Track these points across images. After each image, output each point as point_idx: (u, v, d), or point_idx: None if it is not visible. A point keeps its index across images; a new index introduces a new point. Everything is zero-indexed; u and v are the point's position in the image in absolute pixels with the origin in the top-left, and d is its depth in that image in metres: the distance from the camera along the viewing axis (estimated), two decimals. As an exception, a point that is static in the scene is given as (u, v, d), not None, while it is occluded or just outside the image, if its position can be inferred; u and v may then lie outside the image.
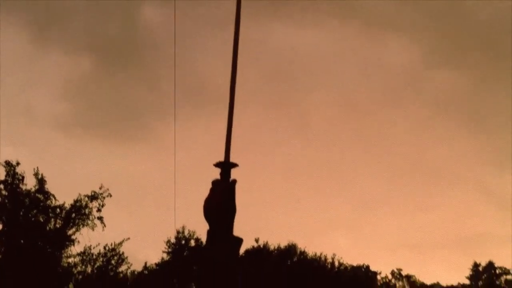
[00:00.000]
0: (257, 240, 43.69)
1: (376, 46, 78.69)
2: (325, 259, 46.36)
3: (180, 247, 39.13)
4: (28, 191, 27.34)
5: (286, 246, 44.87)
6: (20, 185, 27.26)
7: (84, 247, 28.75)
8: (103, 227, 28.47)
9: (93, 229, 28.35)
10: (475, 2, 77.32)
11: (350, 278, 46.63)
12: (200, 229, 36.18)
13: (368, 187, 76.83)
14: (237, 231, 2.45)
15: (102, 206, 28.43)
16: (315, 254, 45.89)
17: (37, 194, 27.45)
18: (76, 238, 28.27)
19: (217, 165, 2.53)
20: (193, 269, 35.96)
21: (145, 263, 38.04)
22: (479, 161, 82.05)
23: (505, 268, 61.31)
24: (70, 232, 28.15)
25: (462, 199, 79.48)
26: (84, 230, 28.33)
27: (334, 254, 47.05)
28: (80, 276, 29.23)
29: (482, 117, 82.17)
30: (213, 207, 2.44)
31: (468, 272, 62.27)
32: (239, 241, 2.44)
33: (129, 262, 30.80)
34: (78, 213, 28.15)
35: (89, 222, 28.23)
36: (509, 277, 61.42)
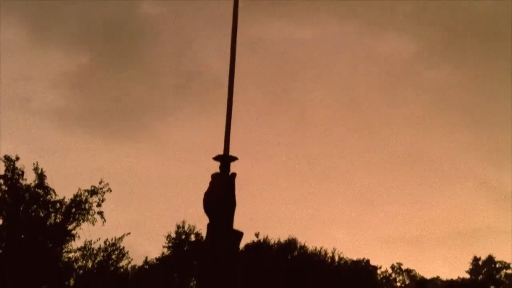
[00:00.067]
0: (257, 235, 43.78)
1: (375, 42, 78.67)
2: (325, 254, 46.44)
3: (181, 242, 39.19)
4: (28, 186, 27.34)
5: (286, 241, 44.94)
6: (20, 180, 27.27)
7: (85, 242, 28.79)
8: (103, 222, 28.52)
9: (93, 224, 28.38)
10: (475, -4, 77.29)
11: (350, 272, 46.70)
12: (200, 223, 36.26)
13: (368, 182, 76.92)
14: (236, 226, 2.43)
15: (102, 201, 28.46)
16: (315, 249, 45.98)
17: (37, 189, 27.45)
18: (76, 233, 28.31)
19: (217, 158, 2.50)
20: (193, 264, 36.03)
21: (146, 258, 38.13)
22: (479, 155, 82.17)
23: (505, 262, 61.45)
24: (70, 227, 28.18)
25: (462, 193, 79.62)
26: (85, 225, 28.37)
27: (334, 249, 47.16)
28: (81, 271, 29.27)
29: (482, 112, 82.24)
30: (213, 201, 2.42)
31: (468, 267, 62.44)
32: (240, 234, 2.42)
33: (129, 257, 30.85)
34: (78, 208, 28.15)
35: (89, 217, 28.26)
36: (509, 271, 61.56)
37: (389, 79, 79.89)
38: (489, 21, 76.76)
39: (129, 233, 30.30)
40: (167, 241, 39.27)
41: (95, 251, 29.22)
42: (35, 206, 27.42)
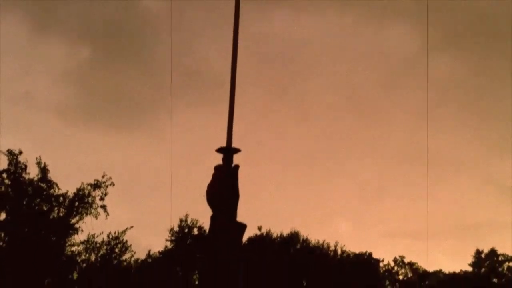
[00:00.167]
0: (259, 228, 43.85)
1: (376, 33, 78.32)
2: (328, 247, 46.49)
3: (183, 235, 39.26)
4: (31, 180, 27.39)
5: (288, 234, 44.99)
6: (23, 174, 27.32)
7: (88, 235, 28.88)
8: (106, 216, 28.59)
9: (96, 218, 28.46)
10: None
11: (353, 265, 46.75)
12: (203, 217, 36.27)
13: (370, 175, 76.76)
14: (239, 218, 2.43)
15: (105, 194, 28.53)
16: (318, 242, 46.02)
17: (40, 183, 27.50)
18: (79, 226, 28.39)
19: (219, 150, 2.50)
20: (196, 258, 36.09)
21: (149, 251, 38.20)
22: (482, 148, 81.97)
23: (507, 255, 61.44)
24: (73, 220, 28.25)
25: (465, 186, 79.47)
26: (88, 219, 28.45)
27: (336, 242, 47.20)
28: (84, 264, 29.37)
29: (484, 105, 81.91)
30: (216, 192, 2.42)
31: (470, 259, 62.43)
32: (243, 227, 2.41)
33: (132, 250, 30.95)
34: (81, 202, 28.22)
35: (92, 210, 28.33)
36: (511, 264, 61.56)
37: (392, 70, 79.62)
38: (492, 12, 76.39)
39: (132, 227, 30.40)
40: (170, 235, 39.34)
41: (98, 245, 29.31)
42: (38, 200, 27.48)
